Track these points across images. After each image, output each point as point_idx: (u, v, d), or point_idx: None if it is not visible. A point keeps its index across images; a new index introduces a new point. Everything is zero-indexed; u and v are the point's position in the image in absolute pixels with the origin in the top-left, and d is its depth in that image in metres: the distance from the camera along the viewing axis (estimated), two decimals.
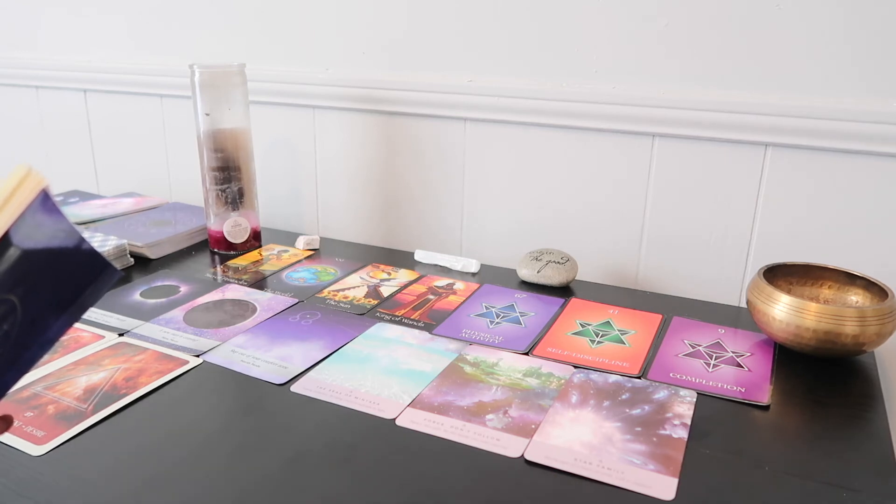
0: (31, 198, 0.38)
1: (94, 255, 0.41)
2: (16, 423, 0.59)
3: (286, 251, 1.01)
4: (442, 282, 0.90)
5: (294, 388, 0.65)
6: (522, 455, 0.56)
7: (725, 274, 0.90)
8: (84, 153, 1.34)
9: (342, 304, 0.83)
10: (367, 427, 0.60)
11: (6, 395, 0.42)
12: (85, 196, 1.21)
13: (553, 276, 0.88)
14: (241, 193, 0.98)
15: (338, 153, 1.10)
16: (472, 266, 0.94)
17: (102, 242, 0.92)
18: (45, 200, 0.38)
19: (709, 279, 0.91)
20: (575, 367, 0.69)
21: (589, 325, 0.78)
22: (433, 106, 0.99)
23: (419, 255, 0.98)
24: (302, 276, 0.92)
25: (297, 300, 0.84)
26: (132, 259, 0.94)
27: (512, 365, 0.70)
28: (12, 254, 0.38)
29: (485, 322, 0.79)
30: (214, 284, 0.88)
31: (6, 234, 0.37)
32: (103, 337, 0.74)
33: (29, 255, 0.38)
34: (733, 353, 0.73)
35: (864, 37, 0.77)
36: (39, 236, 0.39)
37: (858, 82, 0.78)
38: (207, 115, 0.94)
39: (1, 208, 0.37)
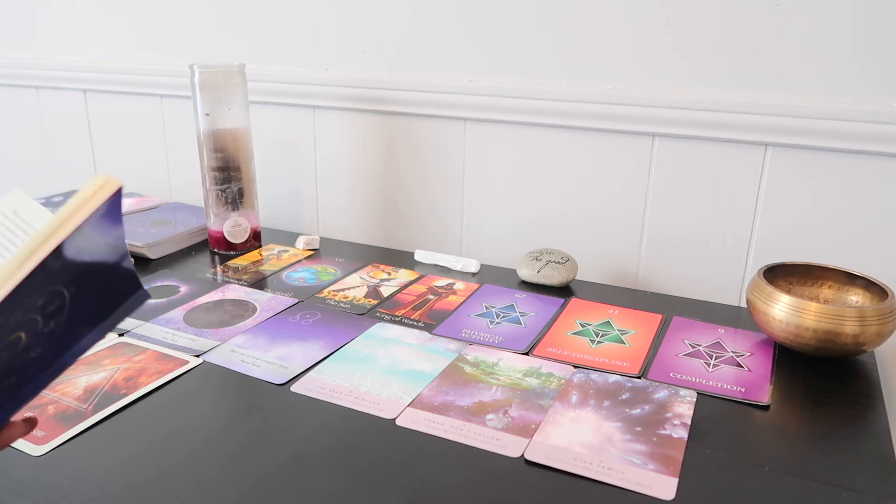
0: (105, 196, 0.38)
1: (131, 275, 0.41)
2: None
3: (286, 251, 1.01)
4: (442, 282, 0.90)
5: (294, 388, 0.65)
6: (522, 455, 0.56)
7: (725, 274, 0.90)
8: (84, 153, 1.34)
9: (342, 304, 0.83)
10: (367, 427, 0.60)
11: (34, 398, 0.42)
12: None
13: (553, 276, 0.88)
14: (241, 193, 0.98)
15: (338, 153, 1.10)
16: (472, 266, 0.94)
17: None
18: (114, 203, 0.38)
19: (709, 279, 0.91)
20: (575, 367, 0.69)
21: (589, 325, 0.78)
22: (433, 106, 0.99)
23: (419, 255, 0.98)
24: (302, 276, 0.92)
25: (297, 300, 0.84)
26: (132, 259, 0.94)
27: (512, 365, 0.70)
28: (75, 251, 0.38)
29: (485, 322, 0.79)
30: (214, 284, 0.88)
31: (77, 230, 0.37)
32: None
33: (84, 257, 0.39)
34: (733, 353, 0.73)
35: (865, 37, 0.77)
36: (98, 241, 0.39)
37: (858, 82, 0.78)
38: (207, 115, 0.94)
39: (80, 206, 0.37)
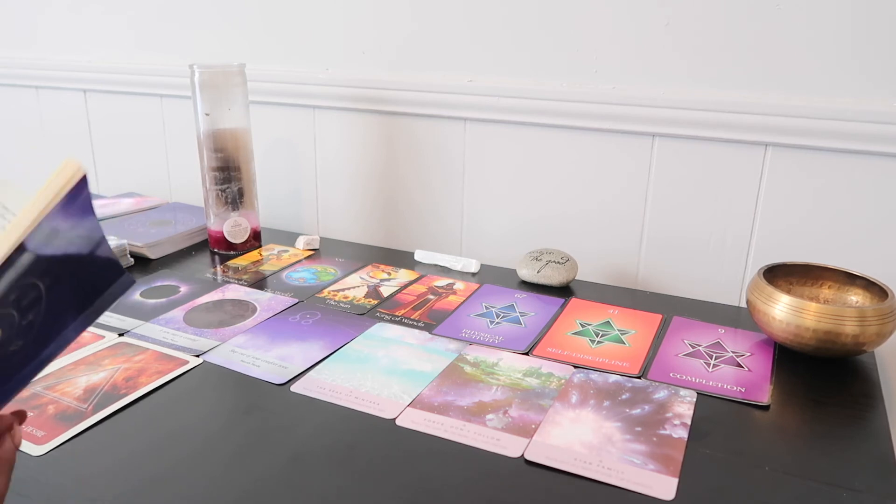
0: (69, 186, 0.37)
1: (111, 261, 0.41)
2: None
3: (286, 251, 1.01)
4: (442, 282, 0.90)
5: (294, 388, 0.65)
6: (522, 455, 0.56)
7: (725, 274, 0.90)
8: (84, 153, 1.34)
9: (342, 304, 0.83)
10: (367, 427, 0.60)
11: (22, 390, 0.42)
12: None
13: (553, 276, 0.88)
14: (241, 193, 0.98)
15: (338, 153, 1.10)
16: (472, 266, 0.94)
17: None
18: (79, 189, 0.38)
19: (709, 279, 0.91)
20: (575, 367, 0.69)
21: (589, 325, 0.78)
22: (433, 106, 0.99)
23: (419, 255, 0.98)
24: (302, 276, 0.92)
25: (297, 300, 0.84)
26: (132, 259, 0.94)
27: (512, 365, 0.70)
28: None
29: (485, 322, 0.79)
30: (214, 284, 0.88)
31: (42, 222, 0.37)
32: (103, 337, 0.74)
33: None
34: (733, 353, 0.73)
35: (865, 36, 0.77)
36: (67, 229, 0.39)
37: (858, 82, 0.78)
38: (207, 115, 0.94)
39: (39, 194, 0.37)
